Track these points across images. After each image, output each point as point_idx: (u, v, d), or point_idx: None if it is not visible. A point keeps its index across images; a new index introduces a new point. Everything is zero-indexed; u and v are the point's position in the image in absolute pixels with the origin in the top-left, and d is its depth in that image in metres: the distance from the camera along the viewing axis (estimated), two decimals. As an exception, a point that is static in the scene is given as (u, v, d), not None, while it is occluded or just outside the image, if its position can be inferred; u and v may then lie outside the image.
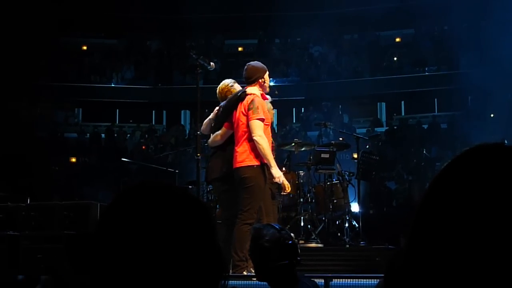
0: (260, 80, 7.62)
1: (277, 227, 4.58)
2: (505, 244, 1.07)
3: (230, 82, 7.83)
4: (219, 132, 7.64)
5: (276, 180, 7.45)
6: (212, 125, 7.74)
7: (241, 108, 7.42)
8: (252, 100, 7.37)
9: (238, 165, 7.33)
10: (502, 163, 1.14)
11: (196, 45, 28.91)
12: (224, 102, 7.66)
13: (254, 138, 7.24)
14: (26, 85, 23.40)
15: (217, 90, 7.79)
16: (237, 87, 7.77)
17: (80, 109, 29.02)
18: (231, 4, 26.54)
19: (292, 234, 9.45)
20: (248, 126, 7.32)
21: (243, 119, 7.36)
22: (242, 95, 7.45)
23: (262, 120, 7.33)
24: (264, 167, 7.35)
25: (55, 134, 25.33)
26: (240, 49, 30.51)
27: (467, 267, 1.08)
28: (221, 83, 7.82)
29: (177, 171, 12.78)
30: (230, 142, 7.58)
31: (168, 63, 28.41)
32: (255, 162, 7.30)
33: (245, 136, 7.36)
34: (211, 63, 7.74)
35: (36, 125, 24.48)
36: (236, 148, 7.40)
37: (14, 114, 22.77)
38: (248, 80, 7.64)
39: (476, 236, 1.09)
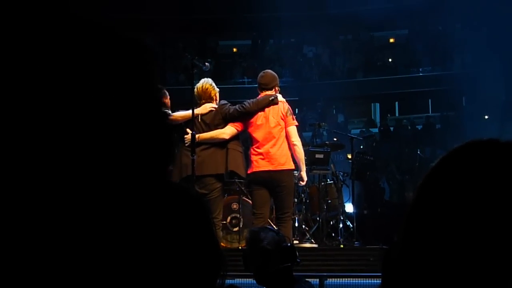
0: (276, 88, 7.99)
1: (274, 229, 4.57)
2: (498, 240, 1.06)
3: (212, 82, 7.87)
4: (227, 130, 7.66)
5: (303, 183, 8.22)
6: (207, 122, 7.70)
7: (272, 112, 7.73)
8: (289, 107, 7.96)
9: (280, 167, 7.67)
10: (495, 158, 1.14)
11: (190, 46, 28.95)
12: (248, 103, 7.77)
13: (295, 143, 7.80)
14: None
15: (199, 88, 7.74)
16: (217, 88, 7.87)
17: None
18: (225, 5, 26.53)
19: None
20: (282, 130, 7.75)
21: (281, 122, 7.75)
22: (275, 100, 7.75)
23: (297, 126, 7.93)
24: None
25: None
26: (234, 50, 30.52)
27: (460, 263, 1.08)
28: (203, 82, 7.81)
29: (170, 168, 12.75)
30: (229, 140, 7.66)
31: (162, 63, 28.39)
32: (292, 166, 7.83)
33: (281, 139, 7.73)
34: (206, 63, 7.73)
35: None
36: (271, 149, 7.66)
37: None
38: (265, 86, 7.94)
39: (468, 233, 1.08)
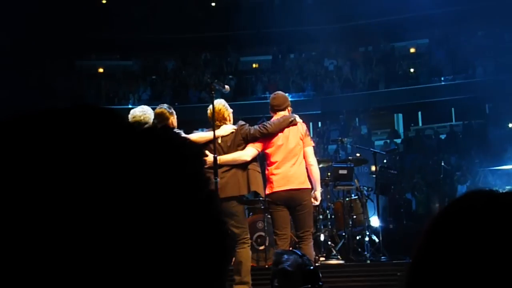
0: (289, 108, 8.04)
1: (298, 253, 4.60)
2: None
3: (225, 103, 7.87)
4: (248, 151, 7.66)
5: (317, 202, 8.13)
6: (228, 144, 7.70)
7: (292, 132, 7.83)
8: (306, 128, 8.11)
9: (300, 186, 7.73)
10: (493, 210, 1.18)
11: (211, 63, 29.10)
12: (269, 124, 7.80)
13: (312, 163, 7.92)
14: (43, 109, 23.53)
15: (214, 110, 7.67)
16: (230, 109, 7.87)
17: (98, 131, 29.11)
18: (245, 21, 26.64)
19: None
20: (301, 150, 7.86)
21: (300, 143, 7.85)
22: (295, 121, 7.85)
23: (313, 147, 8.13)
24: None
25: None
26: (255, 65, 30.59)
27: None
28: (216, 103, 7.76)
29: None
30: (249, 161, 7.68)
31: (184, 82, 28.55)
32: (310, 185, 7.86)
33: (300, 159, 7.82)
34: (226, 86, 7.75)
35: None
36: (291, 169, 7.75)
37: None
38: (278, 107, 8.01)
39: (470, 282, 1.13)
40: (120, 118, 1.00)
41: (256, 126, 7.86)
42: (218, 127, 7.60)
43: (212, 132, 7.43)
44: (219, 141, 7.56)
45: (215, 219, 0.98)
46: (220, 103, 7.76)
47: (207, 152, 7.48)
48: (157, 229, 0.90)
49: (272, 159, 7.80)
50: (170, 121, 7.83)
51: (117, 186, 0.89)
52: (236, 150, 7.62)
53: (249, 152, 7.65)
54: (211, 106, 7.62)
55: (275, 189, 7.71)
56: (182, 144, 1.01)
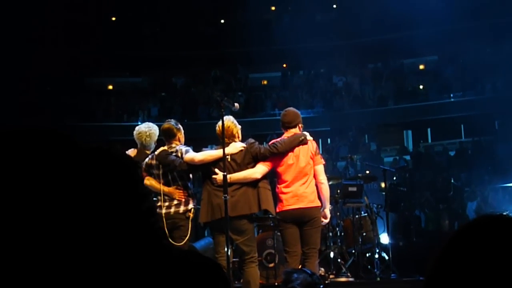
0: (300, 125, 8.02)
1: (308, 271, 4.60)
2: None
3: (234, 120, 7.85)
4: (259, 169, 7.61)
5: (326, 220, 8.09)
6: (238, 162, 7.66)
7: (302, 151, 7.80)
8: (317, 146, 8.06)
9: (310, 204, 7.72)
10: (503, 234, 1.20)
11: (221, 80, 29.16)
12: (279, 143, 7.76)
13: (322, 181, 7.90)
14: (54, 127, 23.61)
15: (223, 127, 7.62)
16: (238, 126, 7.85)
17: (107, 148, 29.16)
18: (254, 38, 26.70)
19: (322, 269, 9.50)
20: (311, 169, 7.85)
21: (311, 161, 7.83)
22: (305, 140, 7.82)
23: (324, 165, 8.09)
24: None
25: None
26: (264, 82, 30.64)
27: None
28: (226, 120, 7.72)
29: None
30: (260, 179, 7.66)
31: (193, 98, 28.61)
32: (320, 203, 7.84)
33: (310, 177, 7.81)
34: (235, 104, 7.73)
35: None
36: (300, 187, 7.74)
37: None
38: (289, 124, 7.97)
39: None
40: (67, 139, 1.23)
41: (266, 145, 7.86)
42: (227, 144, 7.56)
43: (221, 150, 7.40)
44: (229, 159, 7.54)
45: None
46: (228, 120, 7.73)
47: (216, 170, 7.49)
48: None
49: (283, 178, 7.78)
50: (177, 137, 7.85)
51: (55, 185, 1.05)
52: (246, 168, 7.59)
53: (260, 170, 7.62)
54: (219, 123, 7.59)
55: (285, 208, 7.70)
56: (119, 157, 1.22)
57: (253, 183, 7.60)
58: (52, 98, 24.46)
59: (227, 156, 7.43)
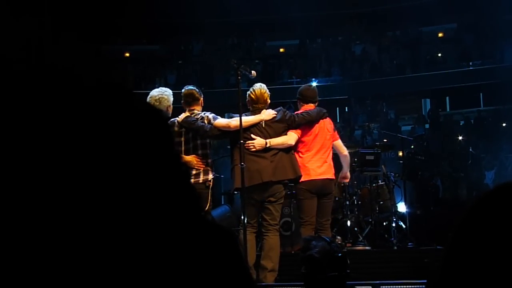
0: (317, 102, 8.24)
1: (327, 239, 4.56)
2: None
3: (265, 87, 7.87)
4: (292, 136, 7.74)
5: (347, 180, 9.04)
6: (272, 128, 7.68)
7: (325, 124, 8.11)
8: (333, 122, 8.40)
9: (332, 176, 8.06)
10: None
11: (237, 47, 29.05)
12: (309, 112, 7.95)
13: (345, 153, 8.44)
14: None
15: (257, 92, 7.68)
16: (268, 92, 7.88)
17: (125, 116, 29.25)
18: (271, 5, 26.53)
19: (339, 237, 9.52)
20: (330, 142, 8.16)
21: (329, 135, 8.12)
22: (327, 114, 8.17)
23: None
24: None
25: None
26: (281, 50, 30.49)
27: None
28: (259, 87, 7.74)
29: (222, 176, 12.51)
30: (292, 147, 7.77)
31: (210, 66, 28.55)
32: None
33: (330, 150, 8.13)
34: (253, 72, 7.70)
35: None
36: (326, 159, 8.01)
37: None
38: (312, 99, 8.19)
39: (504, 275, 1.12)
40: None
41: (299, 114, 7.93)
42: (260, 110, 7.61)
43: (256, 116, 7.59)
44: (263, 124, 7.58)
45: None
46: (262, 87, 7.81)
47: (253, 136, 7.53)
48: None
49: (309, 148, 7.95)
50: (199, 101, 7.81)
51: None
52: (280, 134, 7.65)
53: (294, 137, 7.81)
54: (252, 89, 7.68)
55: (313, 177, 7.82)
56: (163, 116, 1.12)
57: (287, 150, 7.70)
58: (68, 66, 24.44)
59: (261, 123, 7.50)
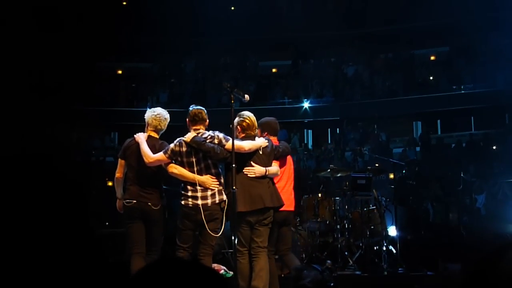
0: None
1: (318, 268, 4.54)
2: None
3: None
4: (276, 167, 7.76)
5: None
6: (268, 156, 7.71)
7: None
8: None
9: (294, 208, 8.20)
10: None
11: (231, 67, 29.08)
12: (283, 144, 8.13)
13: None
14: (62, 110, 23.61)
15: (250, 121, 7.67)
16: None
17: (116, 133, 29.23)
18: (265, 26, 26.62)
19: (329, 262, 9.47)
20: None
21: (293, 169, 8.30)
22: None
23: None
24: None
25: (92, 158, 25.53)
26: (274, 70, 30.55)
27: None
28: (250, 115, 7.77)
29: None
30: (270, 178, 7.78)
31: (203, 85, 28.56)
32: None
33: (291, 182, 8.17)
34: (246, 96, 7.65)
35: (73, 150, 24.69)
36: (290, 190, 8.11)
37: (51, 139, 22.97)
38: (277, 133, 8.24)
39: None
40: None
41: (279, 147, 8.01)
42: (253, 137, 7.63)
43: (259, 141, 7.61)
44: (260, 152, 7.58)
45: None
46: (251, 115, 7.80)
47: (253, 163, 7.51)
48: None
49: (282, 179, 8.05)
50: (206, 122, 7.76)
51: None
52: (271, 163, 7.69)
53: (276, 168, 7.80)
54: (244, 117, 7.68)
55: (288, 208, 7.97)
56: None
57: (271, 179, 7.69)
58: (60, 82, 24.40)
59: (259, 150, 7.56)
